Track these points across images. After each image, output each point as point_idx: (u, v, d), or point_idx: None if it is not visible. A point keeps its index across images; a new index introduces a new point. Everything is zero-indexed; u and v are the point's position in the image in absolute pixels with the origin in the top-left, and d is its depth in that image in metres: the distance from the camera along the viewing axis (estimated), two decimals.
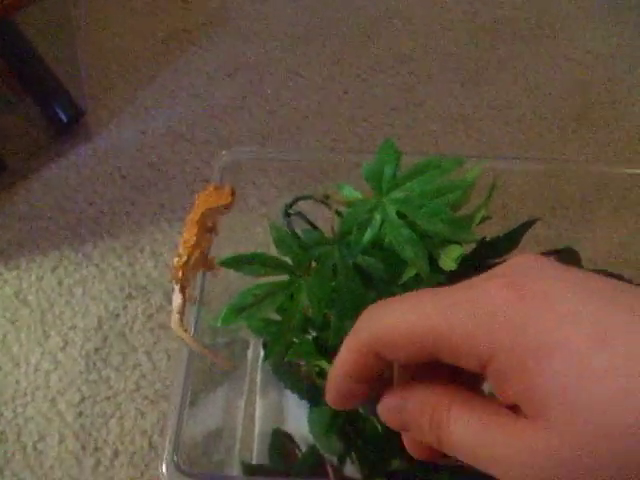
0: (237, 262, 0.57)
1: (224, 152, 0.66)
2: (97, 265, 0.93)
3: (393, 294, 0.63)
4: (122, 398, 0.81)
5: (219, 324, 0.57)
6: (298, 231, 0.64)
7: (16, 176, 1.03)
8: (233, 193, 0.62)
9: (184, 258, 0.60)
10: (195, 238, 0.60)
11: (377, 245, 0.60)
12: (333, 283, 0.60)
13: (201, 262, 0.61)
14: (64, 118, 1.07)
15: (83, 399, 0.81)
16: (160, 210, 0.99)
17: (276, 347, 0.63)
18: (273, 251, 0.60)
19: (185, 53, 1.20)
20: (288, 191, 0.68)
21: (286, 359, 0.63)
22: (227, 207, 0.62)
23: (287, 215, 0.65)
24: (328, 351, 0.66)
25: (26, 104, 1.08)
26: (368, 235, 0.59)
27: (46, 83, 1.08)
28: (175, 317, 0.59)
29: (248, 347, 0.82)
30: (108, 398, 0.81)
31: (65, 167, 1.04)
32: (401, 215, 0.59)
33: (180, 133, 1.08)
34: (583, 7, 1.29)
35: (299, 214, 0.65)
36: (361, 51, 1.21)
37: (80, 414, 0.80)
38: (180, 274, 0.60)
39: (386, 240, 0.60)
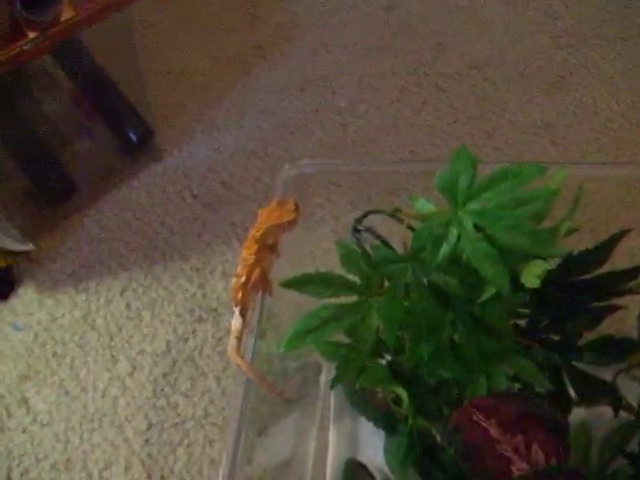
0: (300, 283, 0.53)
1: (287, 165, 0.62)
2: (166, 287, 0.91)
3: (471, 314, 0.59)
4: (190, 425, 0.78)
5: (283, 348, 0.53)
6: (368, 248, 0.60)
7: (87, 198, 1.02)
8: (297, 208, 0.58)
9: (242, 278, 0.56)
10: (254, 257, 0.57)
11: (454, 262, 0.55)
12: (406, 303, 0.55)
13: (261, 283, 0.58)
14: (134, 139, 1.06)
15: (150, 426, 0.79)
16: (232, 229, 0.97)
17: (346, 372, 0.59)
18: (341, 271, 0.56)
19: (254, 69, 1.18)
20: (357, 207, 0.64)
21: (357, 386, 0.58)
22: (290, 224, 0.58)
23: (356, 231, 0.61)
24: (403, 376, 0.62)
25: (97, 126, 1.07)
26: (444, 251, 0.54)
27: (116, 104, 1.08)
28: (232, 342, 0.56)
29: (321, 372, 0.77)
30: (176, 425, 0.78)
31: (136, 188, 1.03)
32: (479, 228, 0.54)
33: (252, 150, 1.06)
34: None
35: (369, 230, 0.61)
36: (436, 59, 1.16)
37: (147, 441, 0.78)
38: (239, 296, 0.56)
39: (463, 256, 0.55)
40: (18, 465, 0.78)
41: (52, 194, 1.02)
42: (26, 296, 0.92)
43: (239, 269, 0.57)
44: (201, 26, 1.26)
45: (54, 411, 0.82)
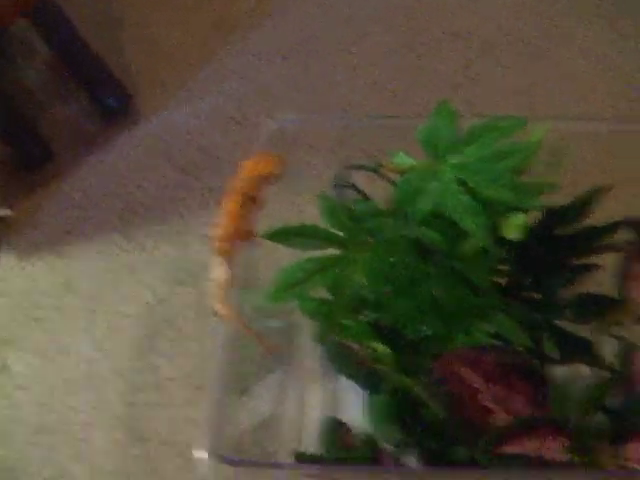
0: (284, 234, 0.54)
1: (270, 119, 0.62)
2: (147, 251, 0.91)
3: (452, 269, 0.59)
4: (171, 386, 0.78)
5: (268, 301, 0.53)
6: (350, 204, 0.60)
7: (65, 164, 1.01)
8: (283, 162, 0.58)
9: (227, 228, 0.56)
10: (238, 208, 0.56)
11: (435, 215, 0.55)
12: (391, 259, 0.56)
13: (245, 234, 0.57)
14: (113, 104, 1.05)
15: (131, 388, 0.79)
16: (210, 194, 0.96)
17: (328, 328, 0.59)
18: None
19: (236, 36, 1.16)
20: (339, 163, 0.64)
21: (337, 339, 0.58)
22: (275, 176, 0.58)
23: (337, 186, 0.61)
24: (384, 333, 0.62)
25: (75, 92, 1.06)
26: (425, 204, 0.55)
27: (94, 70, 1.06)
28: (216, 292, 0.56)
29: (301, 333, 0.78)
30: (157, 387, 0.78)
31: (114, 154, 1.02)
32: (460, 182, 0.54)
33: (231, 116, 1.05)
34: None
35: (350, 185, 0.61)
36: (417, 27, 1.15)
37: (128, 403, 0.78)
38: (223, 245, 0.56)
39: (444, 210, 0.55)
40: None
41: (30, 160, 1.01)
42: (6, 263, 0.92)
43: (221, 219, 0.56)
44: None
45: (35, 376, 0.81)
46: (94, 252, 0.91)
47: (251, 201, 0.58)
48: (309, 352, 0.76)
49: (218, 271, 0.56)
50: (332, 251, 0.54)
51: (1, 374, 0.82)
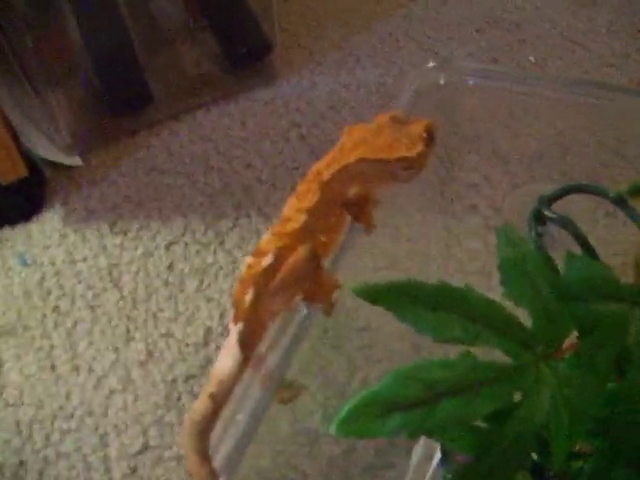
0: (394, 294, 0.24)
1: (426, 65, 0.33)
2: (229, 252, 0.64)
3: None
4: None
5: (334, 431, 0.24)
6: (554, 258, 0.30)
7: (163, 114, 0.76)
8: (431, 136, 0.29)
9: (266, 261, 0.28)
10: (305, 218, 0.28)
11: None
12: (614, 384, 0.25)
13: (305, 279, 0.29)
14: (245, 51, 0.80)
15: (145, 449, 0.52)
16: None
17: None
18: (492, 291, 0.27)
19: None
20: (539, 174, 0.34)
21: None
22: (411, 164, 0.29)
23: (539, 219, 0.31)
24: None
25: (202, 29, 0.81)
26: None
27: (232, 5, 0.81)
28: (194, 420, 0.28)
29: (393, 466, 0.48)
30: (178, 458, 0.51)
31: (229, 113, 0.76)
32: None
33: (392, 94, 0.77)
34: None
35: (563, 221, 0.31)
36: None
37: (132, 470, 0.51)
38: (246, 302, 0.28)
39: None
40: None
41: (121, 102, 0.77)
42: (49, 223, 0.68)
43: (266, 241, 0.29)
44: None
45: (27, 389, 0.57)
46: (161, 237, 0.66)
47: (343, 210, 0.30)
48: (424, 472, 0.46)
49: (227, 360, 0.28)
50: (497, 354, 0.24)
51: None
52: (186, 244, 0.65)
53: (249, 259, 0.31)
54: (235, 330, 0.30)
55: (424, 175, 0.31)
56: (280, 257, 0.31)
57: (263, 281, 0.30)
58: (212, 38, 0.81)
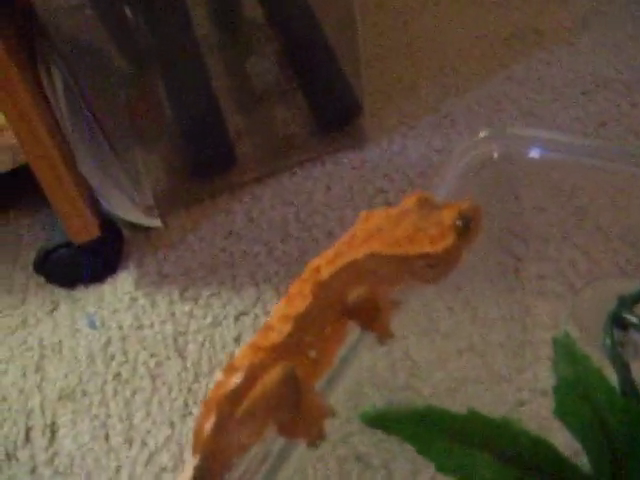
0: (405, 422, 0.20)
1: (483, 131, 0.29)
2: None
3: None
4: None
5: None
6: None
7: (248, 176, 0.74)
8: (466, 225, 0.24)
9: (237, 380, 0.24)
10: (290, 329, 0.24)
11: None
12: None
13: (289, 401, 0.24)
14: (335, 113, 0.77)
15: None
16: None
17: None
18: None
19: (527, 59, 0.83)
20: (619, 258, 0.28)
21: None
22: (437, 261, 0.24)
23: (618, 324, 0.26)
24: None
25: (293, 92, 0.79)
26: None
27: (325, 70, 0.78)
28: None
29: None
30: None
31: (314, 177, 0.73)
32: None
33: None
34: None
35: None
36: None
37: None
38: (210, 427, 0.24)
39: None
40: None
41: (204, 164, 0.75)
42: (121, 286, 0.66)
43: (239, 355, 0.25)
44: None
45: (78, 458, 0.54)
46: (232, 306, 0.62)
47: (349, 315, 0.25)
48: None
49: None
50: None
51: (42, 437, 0.56)
52: (256, 315, 0.61)
53: (219, 375, 0.27)
54: (191, 464, 0.25)
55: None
56: (251, 377, 0.26)
57: (228, 406, 0.25)
58: (302, 99, 0.78)
